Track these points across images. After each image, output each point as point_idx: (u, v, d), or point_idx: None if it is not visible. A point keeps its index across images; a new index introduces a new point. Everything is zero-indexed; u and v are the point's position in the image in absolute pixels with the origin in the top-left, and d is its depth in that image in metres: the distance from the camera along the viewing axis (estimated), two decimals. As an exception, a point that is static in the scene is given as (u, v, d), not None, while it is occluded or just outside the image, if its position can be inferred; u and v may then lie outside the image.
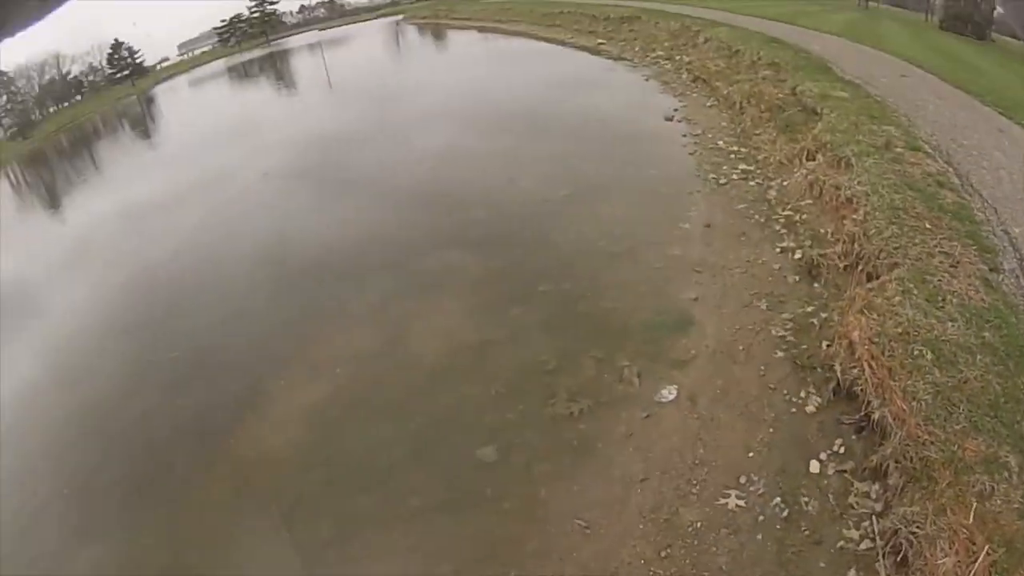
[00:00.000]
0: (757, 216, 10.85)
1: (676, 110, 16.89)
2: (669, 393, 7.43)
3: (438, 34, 43.96)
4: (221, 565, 6.80)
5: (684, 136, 14.93)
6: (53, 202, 33.98)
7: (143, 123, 48.39)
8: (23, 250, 21.14)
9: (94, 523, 7.85)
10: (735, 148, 13.67)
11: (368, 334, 9.97)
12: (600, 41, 27.51)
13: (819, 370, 7.15)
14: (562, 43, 29.74)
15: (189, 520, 7.62)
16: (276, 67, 50.33)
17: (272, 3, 67.42)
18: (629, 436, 7.00)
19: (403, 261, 11.82)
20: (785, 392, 7.08)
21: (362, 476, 7.29)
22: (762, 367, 7.51)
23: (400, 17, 55.95)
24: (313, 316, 10.97)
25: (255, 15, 67.47)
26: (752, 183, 12.04)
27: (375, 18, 61.32)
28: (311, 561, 6.48)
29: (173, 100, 54.19)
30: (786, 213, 10.59)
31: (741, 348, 7.90)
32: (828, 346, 7.27)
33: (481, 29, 39.01)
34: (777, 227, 10.35)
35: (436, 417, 7.92)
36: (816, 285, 8.77)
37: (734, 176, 12.44)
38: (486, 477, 6.92)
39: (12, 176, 53.98)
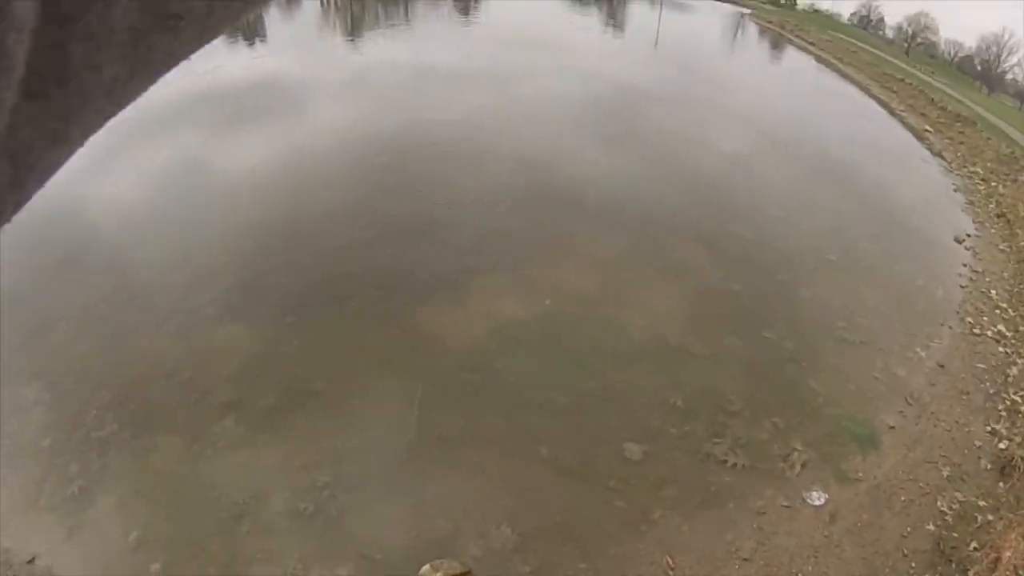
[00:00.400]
0: (988, 384, 10.22)
1: (968, 235, 15.78)
2: (819, 498, 7.46)
3: (776, 44, 42.76)
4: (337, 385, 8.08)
5: (964, 265, 14.01)
6: (353, 32, 36.54)
7: (466, 3, 50.29)
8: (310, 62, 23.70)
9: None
10: (1003, 306, 12.76)
11: (591, 282, 10.57)
12: (927, 128, 25.94)
13: (954, 565, 6.91)
14: (891, 112, 28.32)
15: (338, 342, 8.95)
16: (611, 5, 50.48)
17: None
18: (761, 514, 7.12)
19: (658, 242, 12.16)
20: (913, 566, 6.94)
21: (509, 400, 7.99)
22: (908, 529, 7.37)
23: (747, 11, 54.62)
24: (558, 237, 11.96)
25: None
26: (1001, 349, 11.25)
27: (724, 1, 60.11)
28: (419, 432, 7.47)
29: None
30: (1015, 398, 9.95)
31: (902, 499, 7.75)
32: (975, 549, 7.03)
33: (819, 59, 37.73)
34: (1000, 407, 9.73)
35: (609, 391, 8.35)
36: (1002, 484, 8.28)
37: (988, 333, 11.67)
38: (618, 468, 7.31)
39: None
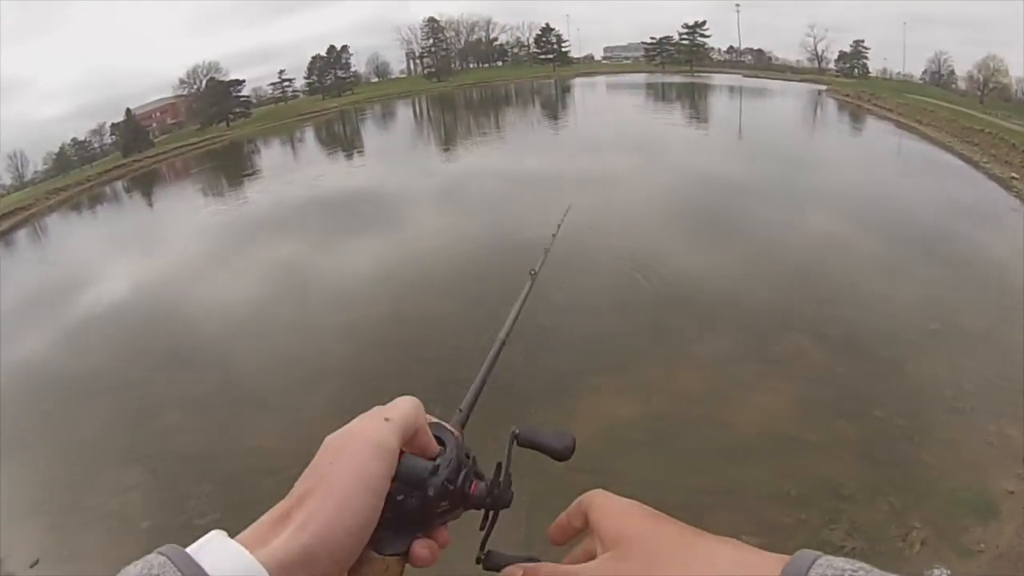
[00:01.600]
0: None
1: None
2: (940, 575, 7.08)
3: (856, 116, 42.75)
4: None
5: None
6: (447, 142, 37.98)
7: (553, 105, 51.78)
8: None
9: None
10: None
11: (697, 379, 10.59)
12: (1013, 175, 25.31)
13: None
14: (975, 165, 27.79)
15: None
16: (692, 98, 51.64)
17: (704, 35, 69.50)
18: (884, 597, 6.99)
19: (760, 334, 12.08)
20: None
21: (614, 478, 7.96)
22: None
23: (823, 88, 54.86)
24: (662, 336, 12.03)
25: (685, 42, 69.87)
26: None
27: (799, 80, 60.64)
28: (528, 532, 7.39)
29: (588, 95, 57.39)
30: None
31: (1025, 564, 7.39)
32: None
33: (898, 124, 37.53)
34: None
35: (721, 487, 8.29)
36: None
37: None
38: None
39: (417, 107, 61.07)
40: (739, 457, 8.83)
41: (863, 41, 62.02)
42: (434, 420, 1.05)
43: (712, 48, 71.04)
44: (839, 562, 0.63)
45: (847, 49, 63.24)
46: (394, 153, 37.11)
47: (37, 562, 8.69)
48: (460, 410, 1.28)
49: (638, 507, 0.90)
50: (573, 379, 10.73)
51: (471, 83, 69.78)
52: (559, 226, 3.51)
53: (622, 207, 19.83)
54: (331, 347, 12.72)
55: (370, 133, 53.14)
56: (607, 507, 0.88)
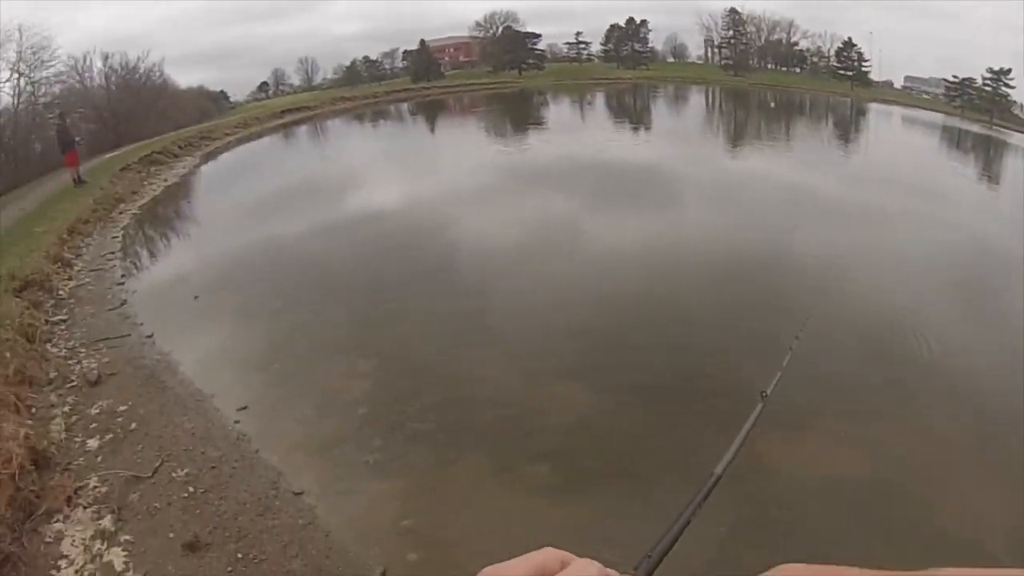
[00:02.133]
0: None
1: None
2: None
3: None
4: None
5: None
6: (735, 137, 37.04)
7: (847, 127, 49.32)
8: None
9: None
10: None
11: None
12: None
13: None
14: None
15: None
16: (987, 153, 47.23)
17: (1009, 85, 62.75)
18: None
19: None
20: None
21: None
22: None
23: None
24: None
25: (988, 88, 63.74)
26: None
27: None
28: None
29: (881, 124, 54.14)
30: None
31: None
32: None
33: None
34: None
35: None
36: None
37: None
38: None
39: (710, 96, 59.93)
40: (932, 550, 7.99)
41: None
42: None
43: (1015, 102, 64.32)
44: None
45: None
46: (682, 138, 36.64)
47: (245, 407, 9.46)
48: (648, 556, 1.07)
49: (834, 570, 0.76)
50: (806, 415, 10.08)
51: (767, 84, 67.61)
52: (796, 338, 3.21)
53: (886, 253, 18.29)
54: (586, 310, 12.77)
55: (660, 112, 52.87)
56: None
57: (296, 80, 63.68)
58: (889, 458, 9.16)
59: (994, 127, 59.41)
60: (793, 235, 17.62)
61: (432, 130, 43.63)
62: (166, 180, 27.96)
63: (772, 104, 56.74)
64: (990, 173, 40.29)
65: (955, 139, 51.00)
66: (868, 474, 8.82)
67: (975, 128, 57.64)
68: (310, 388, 10.10)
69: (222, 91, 56.80)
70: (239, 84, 58.87)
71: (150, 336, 11.99)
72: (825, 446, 9.06)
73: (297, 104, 51.41)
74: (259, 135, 40.31)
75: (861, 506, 8.31)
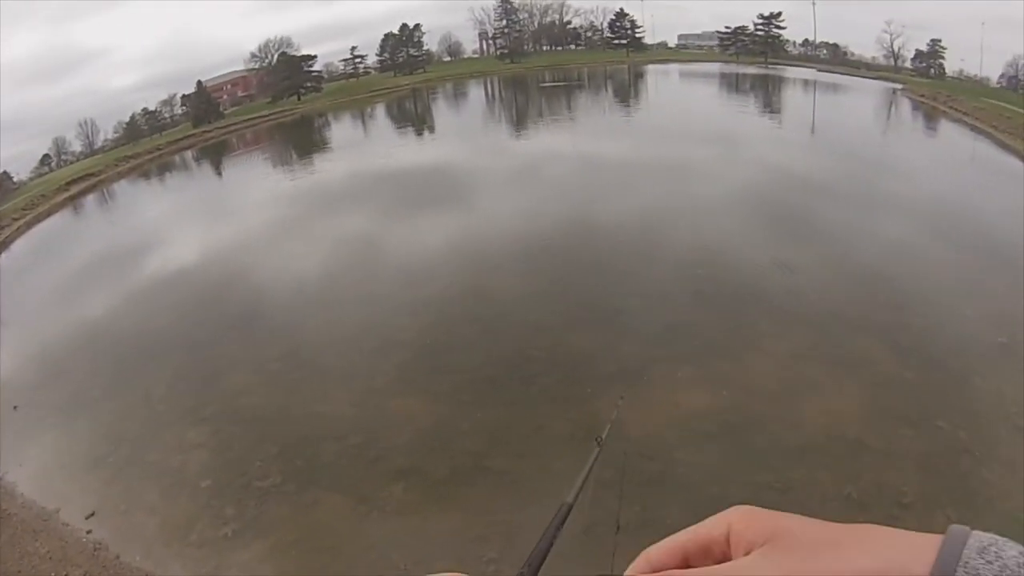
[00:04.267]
0: None
1: None
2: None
3: (931, 118, 41.66)
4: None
5: None
6: (518, 122, 38.01)
7: (626, 91, 51.48)
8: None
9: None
10: None
11: (769, 374, 10.57)
12: None
13: None
14: None
15: (515, 422, 8.82)
16: (766, 90, 50.91)
17: (779, 27, 68.26)
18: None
19: (834, 340, 11.89)
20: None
21: (686, 490, 7.85)
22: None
23: (900, 87, 53.50)
24: (738, 330, 11.97)
25: (760, 33, 68.71)
26: None
27: (874, 78, 59.24)
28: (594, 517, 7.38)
29: (660, 83, 56.97)
30: None
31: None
32: None
33: (974, 129, 36.41)
34: None
35: (785, 484, 8.28)
36: None
37: None
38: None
39: (489, 87, 61.29)
40: (803, 455, 8.84)
41: (940, 41, 60.65)
42: None
43: (787, 41, 69.84)
44: (987, 538, 0.61)
45: (924, 48, 61.97)
46: (465, 132, 37.40)
47: (93, 514, 9.01)
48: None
49: (783, 513, 0.84)
50: (648, 365, 10.74)
51: (544, 66, 69.72)
52: (621, 398, 3.43)
53: (695, 200, 19.70)
54: (400, 320, 12.94)
55: (441, 111, 53.54)
56: (753, 514, 0.82)
57: (78, 146, 60.39)
58: (735, 387, 9.93)
59: (769, 66, 64.13)
60: (596, 205, 18.36)
61: (219, 174, 42.46)
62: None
63: (551, 83, 58.48)
64: (771, 106, 43.30)
65: (734, 83, 54.35)
66: (718, 407, 9.49)
67: (752, 70, 61.93)
68: (149, 473, 9.72)
69: (4, 172, 53.24)
70: (21, 160, 54.88)
71: (-22, 463, 11.16)
72: (671, 393, 9.64)
73: (82, 172, 48.51)
74: (48, 214, 37.92)
75: (719, 437, 8.93)
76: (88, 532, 8.72)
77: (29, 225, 35.60)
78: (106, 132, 62.17)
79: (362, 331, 12.77)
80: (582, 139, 31.06)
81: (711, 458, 8.65)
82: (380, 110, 57.87)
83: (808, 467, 8.61)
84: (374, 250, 17.27)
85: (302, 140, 48.17)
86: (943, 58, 60.86)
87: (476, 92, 61.91)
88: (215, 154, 48.58)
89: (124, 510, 9.02)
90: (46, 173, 56.27)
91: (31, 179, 54.96)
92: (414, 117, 52.06)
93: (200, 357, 12.96)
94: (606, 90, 55.08)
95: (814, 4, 64.74)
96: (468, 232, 17.76)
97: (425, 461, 8.88)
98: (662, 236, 16.21)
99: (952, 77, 58.43)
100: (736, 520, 0.78)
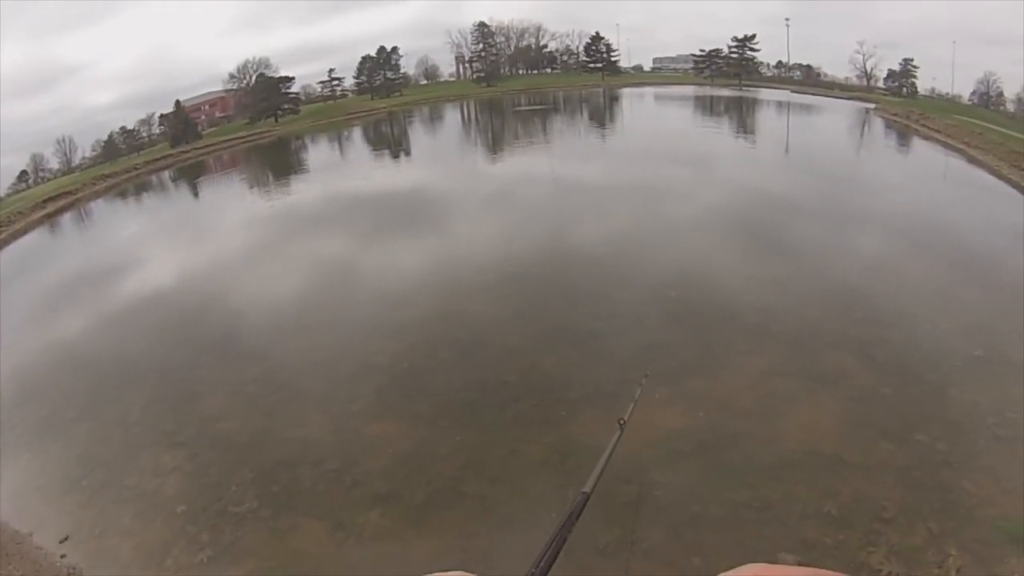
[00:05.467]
0: None
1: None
2: None
3: (904, 136, 42.16)
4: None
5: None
6: (493, 146, 38.21)
7: (601, 114, 51.87)
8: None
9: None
10: None
11: (744, 393, 10.49)
12: None
13: None
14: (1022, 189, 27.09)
15: (492, 446, 8.86)
16: (740, 111, 51.50)
17: (753, 49, 69.22)
18: (917, 623, 6.69)
19: (809, 356, 11.92)
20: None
21: (664, 511, 7.85)
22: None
23: (873, 106, 54.30)
24: (712, 349, 11.96)
25: (734, 55, 69.62)
26: None
27: (847, 98, 60.14)
28: (573, 540, 7.24)
29: (635, 105, 57.52)
30: None
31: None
32: None
33: (946, 146, 36.90)
34: None
35: (764, 502, 8.22)
36: None
37: None
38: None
39: (465, 110, 61.73)
40: (782, 473, 8.78)
41: (912, 60, 61.82)
42: None
43: (761, 63, 70.84)
44: None
45: (896, 67, 63.01)
46: (441, 155, 37.60)
47: (67, 538, 8.84)
48: (532, 573, 1.12)
49: (796, 569, 0.77)
50: (622, 387, 10.71)
51: (520, 89, 70.39)
52: (646, 376, 3.50)
53: (670, 220, 19.84)
54: (377, 344, 12.88)
55: (417, 134, 53.74)
56: (767, 571, 0.75)
57: (55, 163, 60.13)
58: (710, 405, 9.94)
59: (743, 88, 64.92)
60: (570, 228, 18.42)
61: (196, 194, 42.27)
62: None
63: (526, 107, 58.86)
64: (745, 127, 43.74)
65: (708, 105, 54.88)
66: (694, 426, 9.49)
67: (726, 92, 62.67)
68: (124, 496, 9.55)
69: (-19, 188, 53.10)
70: (-1, 176, 54.88)
71: (-50, 486, 10.96)
72: (646, 414, 9.59)
73: (59, 190, 48.19)
74: (24, 231, 37.51)
75: (696, 456, 8.91)
76: (62, 556, 8.56)
77: (5, 242, 35.30)
78: (84, 150, 62.18)
79: (339, 354, 12.70)
80: (556, 162, 31.26)
81: (689, 478, 8.63)
82: (357, 133, 57.96)
83: (786, 484, 8.58)
84: (351, 273, 17.24)
85: (279, 162, 48.16)
86: (915, 77, 62.07)
87: (452, 115, 62.33)
88: (192, 174, 48.47)
89: (99, 533, 8.86)
90: (23, 190, 56.07)
91: (8, 195, 54.79)
92: (391, 140, 52.25)
93: (176, 379, 12.82)
94: (581, 113, 55.48)
95: (788, 26, 65.75)
96: (444, 255, 17.79)
97: (402, 486, 8.81)
98: (636, 258, 16.30)
99: (924, 95, 59.47)
100: None
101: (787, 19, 65.34)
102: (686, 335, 12.53)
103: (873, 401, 10.45)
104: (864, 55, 64.19)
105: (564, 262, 16.25)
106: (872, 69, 64.76)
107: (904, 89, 61.51)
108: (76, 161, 61.44)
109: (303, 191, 32.24)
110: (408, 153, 42.18)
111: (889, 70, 63.71)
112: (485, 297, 14.41)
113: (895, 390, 10.75)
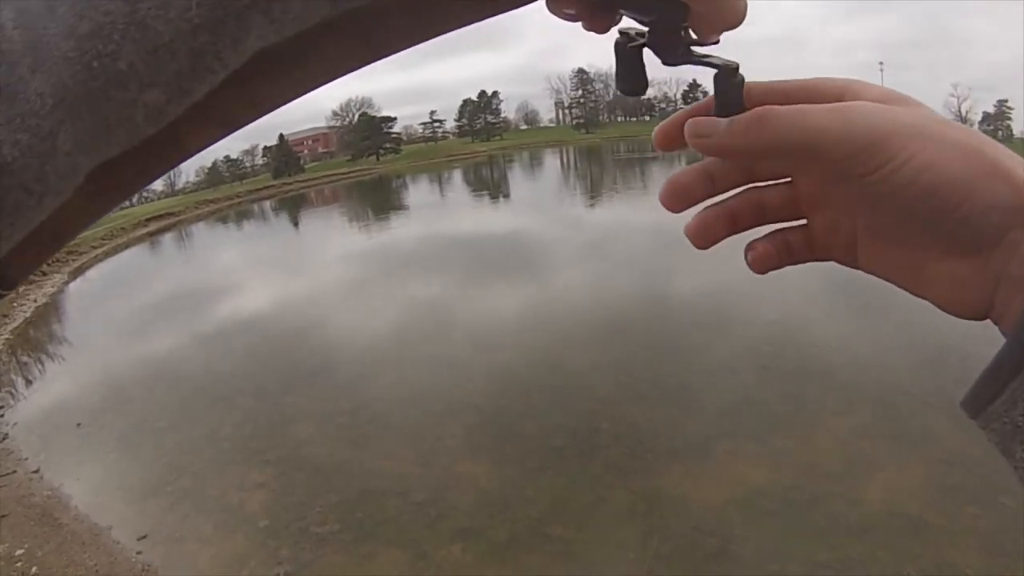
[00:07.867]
0: None
1: None
2: None
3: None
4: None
5: None
6: (592, 193, 38.51)
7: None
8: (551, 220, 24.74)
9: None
10: None
11: (832, 452, 10.49)
12: None
13: None
14: None
15: (578, 492, 9.01)
16: None
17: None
18: None
19: (896, 415, 11.90)
20: None
21: (742, 566, 7.76)
22: None
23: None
24: (804, 407, 11.83)
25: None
26: None
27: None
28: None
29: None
30: None
31: None
32: None
33: None
34: None
35: (844, 563, 7.65)
36: None
37: None
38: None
39: (565, 156, 61.72)
40: (864, 534, 8.64)
41: (1007, 101, 59.92)
42: None
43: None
44: None
45: (991, 110, 61.20)
46: (541, 200, 37.90)
47: (145, 536, 9.18)
48: None
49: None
50: (712, 442, 10.68)
51: (618, 136, 70.43)
52: None
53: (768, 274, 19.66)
54: (470, 384, 13.02)
55: (516, 179, 54.13)
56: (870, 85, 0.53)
57: (159, 185, 62.75)
58: (795, 464, 9.82)
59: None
60: (666, 278, 18.45)
61: (296, 226, 43.38)
62: (35, 300, 26.69)
63: (625, 154, 59.00)
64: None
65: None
66: (778, 482, 9.40)
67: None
68: (207, 506, 9.91)
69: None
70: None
71: (36, 471, 11.53)
72: (730, 467, 9.60)
73: (161, 211, 50.30)
74: (126, 246, 39.02)
75: (779, 514, 8.82)
76: (138, 553, 8.88)
77: (107, 255, 36.73)
78: (188, 175, 64.77)
79: (431, 392, 12.88)
80: (654, 212, 31.22)
81: (771, 535, 8.55)
82: (457, 175, 58.71)
83: (867, 545, 8.45)
84: (447, 313, 17.46)
85: (379, 200, 48.97)
86: (1010, 119, 60.09)
87: (551, 161, 62.64)
88: (293, 206, 49.72)
89: (178, 538, 9.17)
90: (127, 207, 58.66)
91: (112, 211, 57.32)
92: (490, 183, 52.72)
93: (269, 403, 13.20)
94: (679, 162, 55.46)
95: (881, 69, 64.61)
96: (540, 300, 17.90)
97: (486, 523, 8.89)
98: (732, 311, 16.20)
99: (1020, 137, 57.51)
100: (854, 82, 0.54)
101: (881, 63, 64.33)
102: (776, 391, 12.44)
103: (960, 463, 9.99)
104: (959, 98, 62.69)
105: (659, 313, 16.24)
106: (967, 112, 63.06)
107: (1000, 132, 59.59)
108: (180, 184, 64.08)
109: (402, 229, 32.86)
110: (507, 196, 42.63)
111: (984, 112, 62.01)
112: (580, 345, 14.50)
113: (983, 451, 10.31)
